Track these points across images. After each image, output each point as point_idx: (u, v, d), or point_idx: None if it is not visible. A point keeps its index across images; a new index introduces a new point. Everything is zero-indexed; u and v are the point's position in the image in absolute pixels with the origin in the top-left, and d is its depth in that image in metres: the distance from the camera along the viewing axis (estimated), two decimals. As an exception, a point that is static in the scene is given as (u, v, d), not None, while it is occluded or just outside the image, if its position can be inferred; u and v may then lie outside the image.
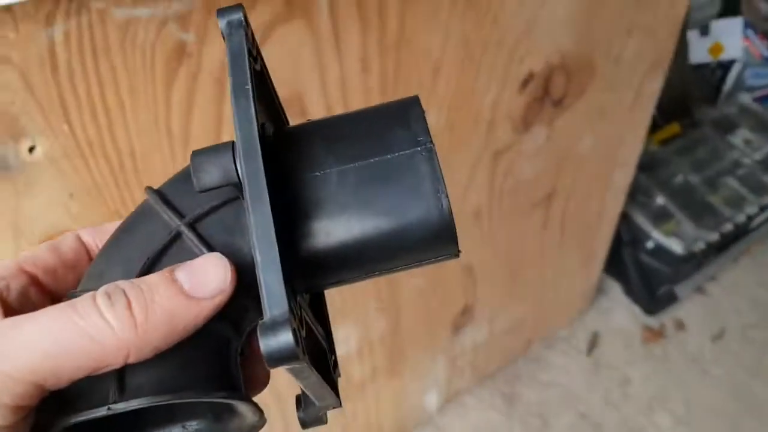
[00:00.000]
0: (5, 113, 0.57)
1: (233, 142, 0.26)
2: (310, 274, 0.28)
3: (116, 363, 0.25)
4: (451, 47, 0.82)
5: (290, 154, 0.28)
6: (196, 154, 0.27)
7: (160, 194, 0.29)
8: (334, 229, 0.27)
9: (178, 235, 0.28)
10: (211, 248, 0.27)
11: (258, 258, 0.23)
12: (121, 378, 0.25)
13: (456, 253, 0.29)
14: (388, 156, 0.28)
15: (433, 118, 0.88)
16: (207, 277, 0.25)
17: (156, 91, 0.64)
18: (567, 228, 1.28)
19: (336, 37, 0.72)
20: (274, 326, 0.22)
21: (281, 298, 0.23)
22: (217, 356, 0.27)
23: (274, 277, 0.23)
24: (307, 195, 0.27)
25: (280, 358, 0.22)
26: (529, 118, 0.99)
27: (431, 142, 0.28)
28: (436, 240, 0.28)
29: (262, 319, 0.23)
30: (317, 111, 0.76)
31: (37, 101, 0.58)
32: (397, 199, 0.27)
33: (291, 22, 0.67)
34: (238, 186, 0.26)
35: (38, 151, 0.61)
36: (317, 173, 0.28)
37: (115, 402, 0.25)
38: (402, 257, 0.29)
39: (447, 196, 0.27)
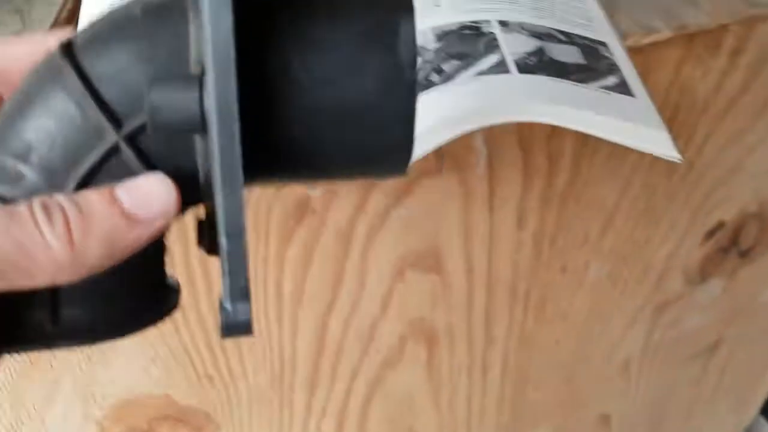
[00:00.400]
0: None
1: (200, 79, 0.22)
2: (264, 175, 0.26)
3: (44, 281, 0.24)
4: (630, 198, 0.68)
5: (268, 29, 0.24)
6: (157, 89, 0.23)
7: (89, 85, 0.24)
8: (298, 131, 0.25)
9: (115, 149, 0.25)
10: (152, 166, 0.25)
11: (223, 237, 0.22)
12: (54, 308, 0.25)
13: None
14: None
15: (594, 270, 0.75)
16: (150, 199, 0.24)
17: (268, 249, 0.56)
18: (725, 377, 1.09)
19: (490, 191, 0.60)
20: (235, 310, 0.22)
21: (243, 281, 0.22)
22: (154, 267, 0.27)
23: (240, 260, 0.22)
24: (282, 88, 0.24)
25: (237, 334, 0.22)
26: (707, 269, 0.83)
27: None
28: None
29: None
30: (455, 267, 0.65)
31: (123, 264, 0.49)
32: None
33: (440, 175, 0.56)
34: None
35: (120, 315, 0.52)
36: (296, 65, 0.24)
37: (50, 337, 0.25)
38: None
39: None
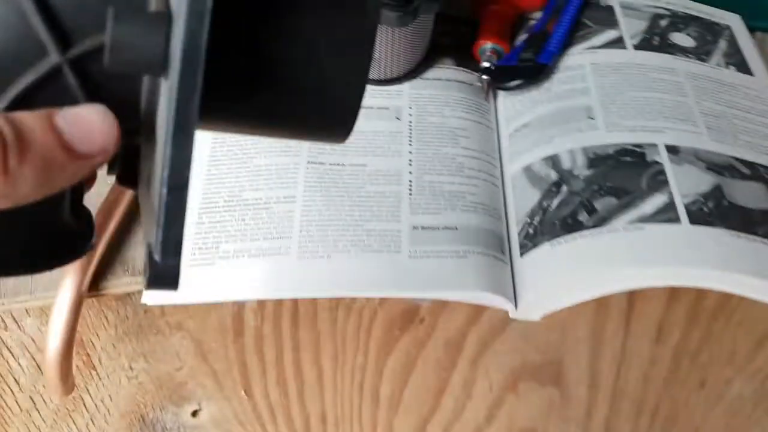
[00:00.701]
0: (169, 379, 0.47)
1: (167, 19, 0.20)
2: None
3: None
4: (792, 319, 0.59)
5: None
6: (120, 24, 0.20)
7: None
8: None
9: (56, 72, 0.22)
10: (94, 95, 0.22)
11: (165, 188, 0.20)
12: None
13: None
14: None
15: (737, 387, 0.66)
16: (92, 133, 0.22)
17: (368, 357, 0.50)
18: None
19: (629, 306, 0.53)
20: (165, 264, 0.21)
21: (178, 237, 0.20)
22: (72, 204, 0.26)
23: (178, 214, 0.20)
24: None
25: (162, 287, 0.21)
26: None
27: None
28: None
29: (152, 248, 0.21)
30: (577, 380, 0.58)
31: (209, 367, 0.47)
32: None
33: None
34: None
35: (203, 415, 0.51)
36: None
37: None
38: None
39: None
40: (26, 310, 0.39)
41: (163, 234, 0.20)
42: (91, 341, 0.43)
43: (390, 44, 0.41)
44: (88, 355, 0.43)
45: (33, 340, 0.41)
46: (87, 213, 0.27)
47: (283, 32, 0.23)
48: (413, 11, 0.38)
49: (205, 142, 0.41)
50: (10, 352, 0.42)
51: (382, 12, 0.38)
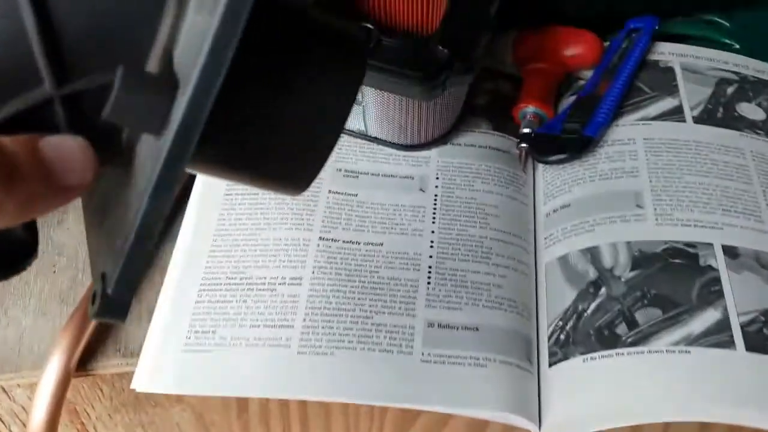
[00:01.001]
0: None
1: (171, 86, 0.20)
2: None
3: None
4: None
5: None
6: (126, 85, 0.19)
7: (41, 11, 0.20)
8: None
9: (48, 102, 0.22)
10: (78, 127, 0.22)
11: (132, 235, 0.20)
12: None
13: None
14: None
15: None
16: (73, 165, 0.21)
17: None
18: None
19: None
20: (118, 300, 0.21)
21: (135, 280, 0.21)
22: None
23: (139, 260, 0.21)
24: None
25: (109, 319, 0.21)
26: None
27: None
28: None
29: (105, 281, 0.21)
30: None
31: (214, 437, 0.43)
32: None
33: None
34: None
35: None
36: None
37: None
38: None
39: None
40: (16, 384, 0.37)
41: (122, 271, 0.20)
42: (86, 411, 0.40)
43: (418, 109, 0.37)
44: (82, 423, 0.41)
45: (23, 408, 0.39)
46: (35, 224, 0.27)
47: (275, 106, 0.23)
48: (441, 84, 0.34)
49: (214, 208, 0.38)
50: (1, 420, 0.40)
51: (405, 85, 0.34)
